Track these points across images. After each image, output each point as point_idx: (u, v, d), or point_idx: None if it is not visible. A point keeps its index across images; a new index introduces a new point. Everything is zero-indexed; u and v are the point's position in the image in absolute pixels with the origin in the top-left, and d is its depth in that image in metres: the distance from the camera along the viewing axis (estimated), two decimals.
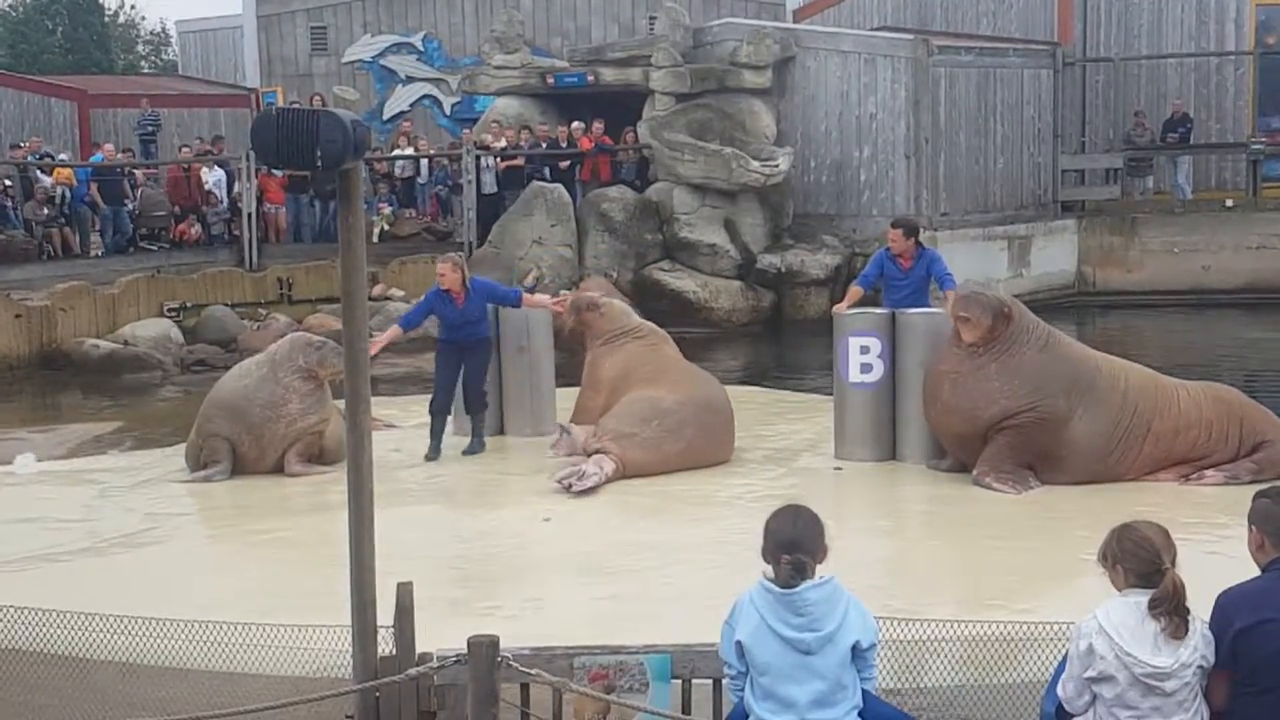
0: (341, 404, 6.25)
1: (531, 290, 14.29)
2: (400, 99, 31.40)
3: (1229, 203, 25.80)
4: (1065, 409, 10.78)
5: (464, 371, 12.69)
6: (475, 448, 12.75)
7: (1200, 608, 4.79)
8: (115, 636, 6.92)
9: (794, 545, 4.77)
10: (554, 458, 12.08)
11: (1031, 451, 10.83)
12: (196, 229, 23.32)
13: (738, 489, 11.17)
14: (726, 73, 24.73)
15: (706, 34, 25.94)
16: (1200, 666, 4.71)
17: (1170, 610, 4.66)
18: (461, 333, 12.63)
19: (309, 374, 12.16)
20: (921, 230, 13.46)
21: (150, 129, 27.59)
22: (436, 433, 12.71)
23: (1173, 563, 4.75)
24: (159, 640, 6.91)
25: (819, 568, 4.81)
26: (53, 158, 24.14)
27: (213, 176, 23.88)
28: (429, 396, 12.97)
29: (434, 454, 12.59)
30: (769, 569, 4.82)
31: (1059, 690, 4.85)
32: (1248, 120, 27.74)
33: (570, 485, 10.93)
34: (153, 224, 23.30)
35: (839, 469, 11.85)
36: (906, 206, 23.37)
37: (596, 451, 11.42)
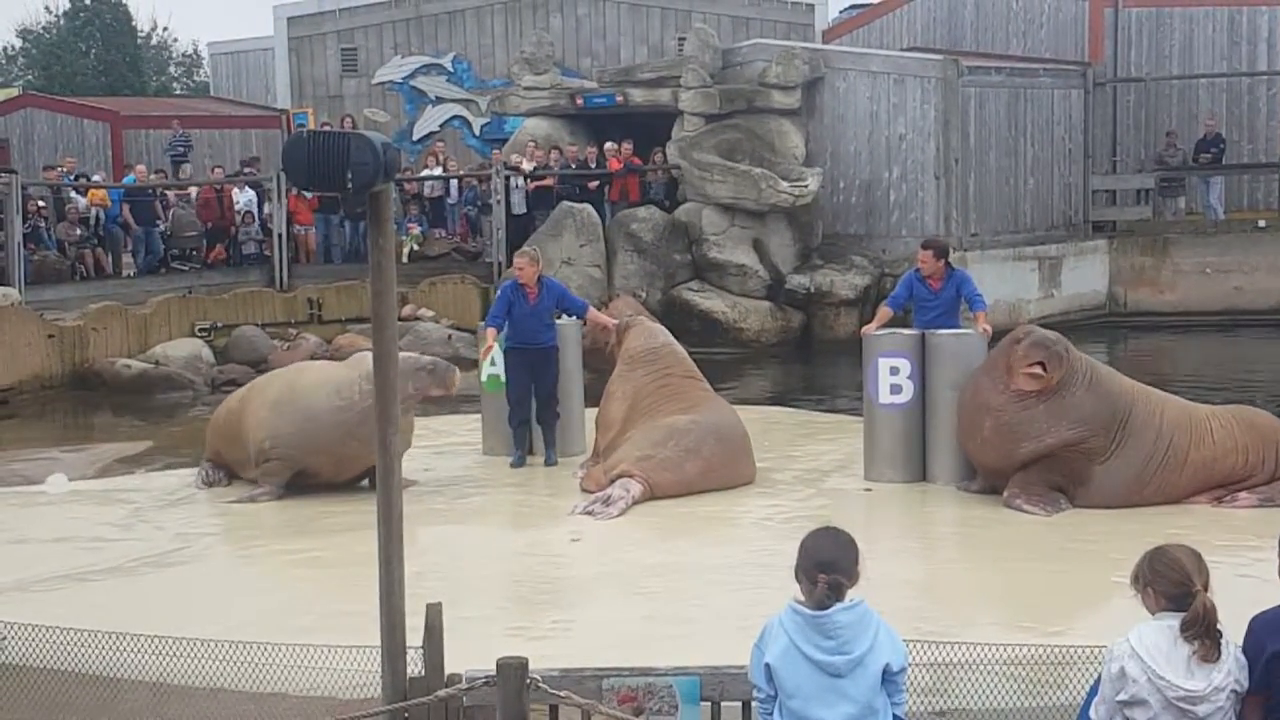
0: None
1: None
2: (430, 120, 31.50)
3: (1261, 223, 25.68)
4: (1105, 444, 10.74)
5: (534, 383, 12.84)
6: (551, 459, 12.96)
7: (1234, 631, 4.75)
8: (146, 656, 6.94)
9: (832, 565, 4.75)
10: (579, 480, 12.05)
11: (1065, 477, 10.79)
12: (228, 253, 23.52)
13: (767, 510, 11.15)
14: (756, 93, 24.74)
15: (735, 55, 25.97)
16: (1234, 691, 4.67)
17: (1201, 633, 4.63)
18: (529, 336, 12.75)
19: (413, 400, 11.48)
20: (951, 251, 13.42)
21: (181, 150, 27.75)
22: (520, 442, 13.00)
23: (1205, 585, 4.72)
24: (189, 660, 6.92)
25: (850, 591, 4.79)
26: (88, 178, 24.30)
27: (244, 197, 24.01)
28: (455, 416, 13.03)
29: (519, 462, 12.93)
30: (799, 592, 4.80)
31: (1091, 714, 4.82)
32: None
33: (595, 513, 10.89)
34: (184, 244, 23.43)
35: (869, 490, 11.81)
36: (936, 227, 23.32)
37: (620, 476, 11.35)
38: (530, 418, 13.06)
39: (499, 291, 13.29)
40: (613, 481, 11.32)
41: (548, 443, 13.03)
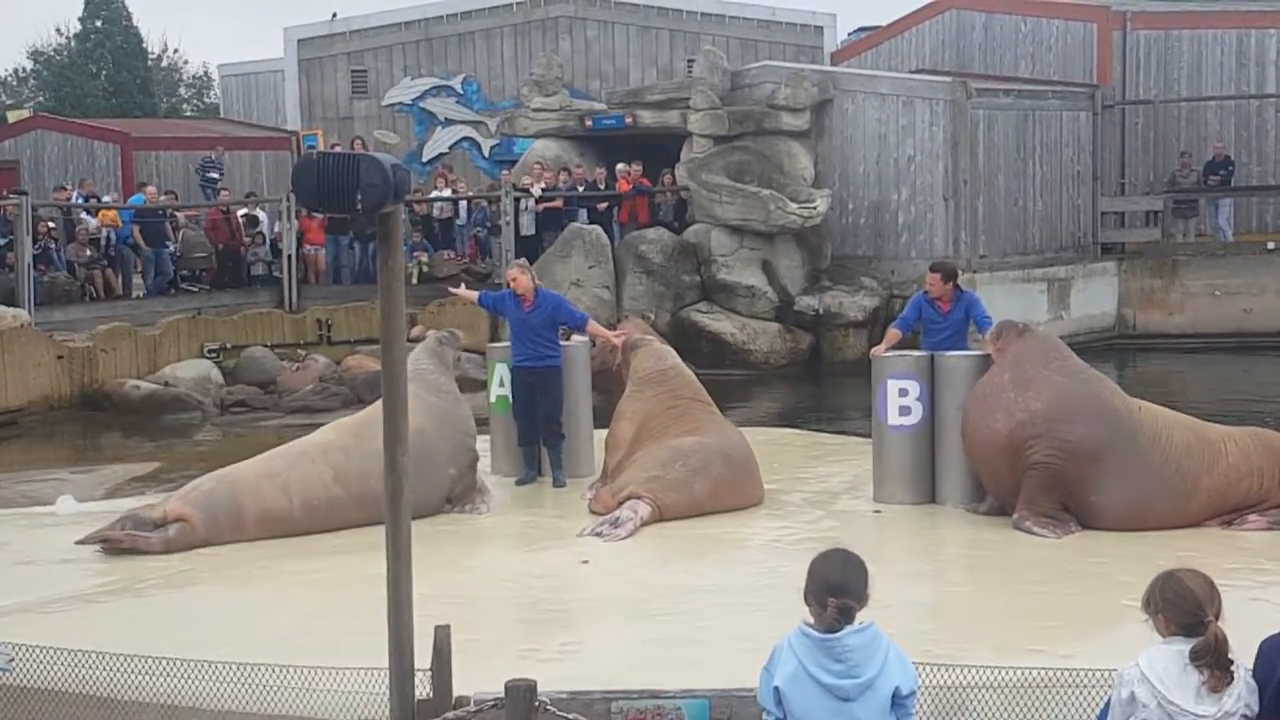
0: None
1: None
2: (439, 141, 31.60)
3: (1271, 245, 25.69)
4: (1088, 439, 10.60)
5: (537, 404, 12.85)
6: (559, 480, 12.92)
7: (1244, 654, 4.73)
8: (154, 678, 6.93)
9: (842, 589, 4.73)
10: (588, 501, 12.04)
11: (1064, 489, 10.71)
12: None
13: (776, 531, 11.12)
14: (764, 115, 24.78)
15: (744, 76, 26.02)
16: (1244, 715, 4.65)
17: (1212, 663, 4.62)
18: (530, 352, 12.78)
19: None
20: (960, 273, 13.41)
21: (216, 175, 27.79)
22: (529, 461, 13.04)
23: (1217, 613, 4.70)
24: (198, 682, 6.91)
25: (859, 614, 4.78)
26: (99, 199, 24.36)
27: None
28: None
29: (525, 479, 12.97)
30: (809, 614, 4.78)
31: None
32: None
33: (603, 535, 10.86)
34: (194, 265, 23.48)
35: (878, 512, 11.78)
36: (945, 248, 23.34)
37: (629, 498, 11.33)
38: (538, 438, 13.05)
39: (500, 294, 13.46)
40: (621, 503, 11.29)
41: (554, 464, 12.99)
